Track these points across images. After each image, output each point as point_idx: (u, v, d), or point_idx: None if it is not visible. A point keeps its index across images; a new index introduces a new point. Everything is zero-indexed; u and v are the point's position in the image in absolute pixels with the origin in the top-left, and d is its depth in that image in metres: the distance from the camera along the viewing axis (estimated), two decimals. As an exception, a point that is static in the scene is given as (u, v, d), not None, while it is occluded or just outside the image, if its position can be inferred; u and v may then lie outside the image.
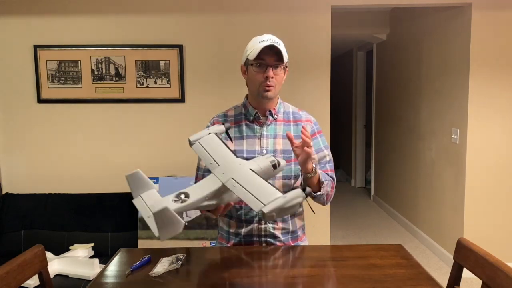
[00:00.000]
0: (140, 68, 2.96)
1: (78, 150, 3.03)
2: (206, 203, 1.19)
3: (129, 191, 1.20)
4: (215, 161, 1.24)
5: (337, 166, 7.11)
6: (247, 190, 1.13)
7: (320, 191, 1.46)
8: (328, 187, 1.50)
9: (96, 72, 2.96)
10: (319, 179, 1.45)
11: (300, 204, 1.11)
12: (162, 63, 2.96)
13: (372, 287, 1.23)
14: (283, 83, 1.55)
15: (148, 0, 2.95)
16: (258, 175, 1.19)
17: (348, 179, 6.58)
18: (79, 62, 2.95)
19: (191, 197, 1.16)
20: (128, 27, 2.96)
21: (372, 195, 5.51)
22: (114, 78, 2.97)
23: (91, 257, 2.55)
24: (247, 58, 1.49)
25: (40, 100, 2.97)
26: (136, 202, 1.15)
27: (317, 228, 3.10)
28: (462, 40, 3.12)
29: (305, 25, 2.99)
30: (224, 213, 1.32)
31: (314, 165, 1.43)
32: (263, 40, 1.44)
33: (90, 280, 1.65)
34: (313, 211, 1.53)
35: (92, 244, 2.63)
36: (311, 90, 3.03)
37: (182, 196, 1.15)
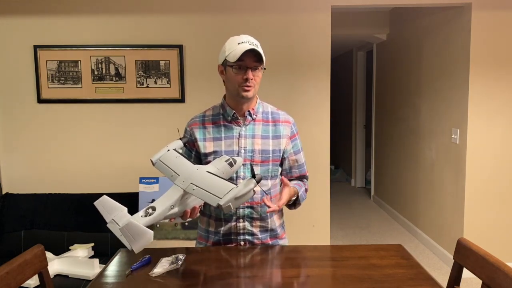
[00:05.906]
0: (140, 68, 2.96)
1: (78, 150, 3.02)
2: (173, 211, 1.26)
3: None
4: (175, 172, 1.32)
5: (337, 166, 7.12)
6: (204, 190, 1.22)
7: (294, 207, 1.62)
8: (302, 201, 1.63)
9: (96, 72, 2.96)
10: (296, 199, 1.58)
11: (253, 191, 1.20)
12: (162, 63, 2.96)
13: (372, 287, 1.23)
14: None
15: (148, 0, 2.95)
16: (216, 175, 1.27)
17: (348, 179, 6.58)
18: (79, 62, 2.95)
19: (157, 209, 1.23)
20: (128, 27, 2.96)
21: (372, 195, 5.51)
22: (114, 78, 2.96)
23: (91, 257, 2.54)
24: (225, 59, 1.49)
25: (40, 100, 2.97)
26: (110, 226, 1.20)
27: (317, 228, 3.10)
28: (462, 40, 3.12)
29: (305, 25, 2.99)
30: (193, 217, 1.36)
31: (295, 195, 1.56)
32: (242, 42, 1.45)
33: (90, 280, 1.65)
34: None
35: (92, 244, 2.63)
36: (311, 90, 3.03)
37: (150, 210, 1.23)
